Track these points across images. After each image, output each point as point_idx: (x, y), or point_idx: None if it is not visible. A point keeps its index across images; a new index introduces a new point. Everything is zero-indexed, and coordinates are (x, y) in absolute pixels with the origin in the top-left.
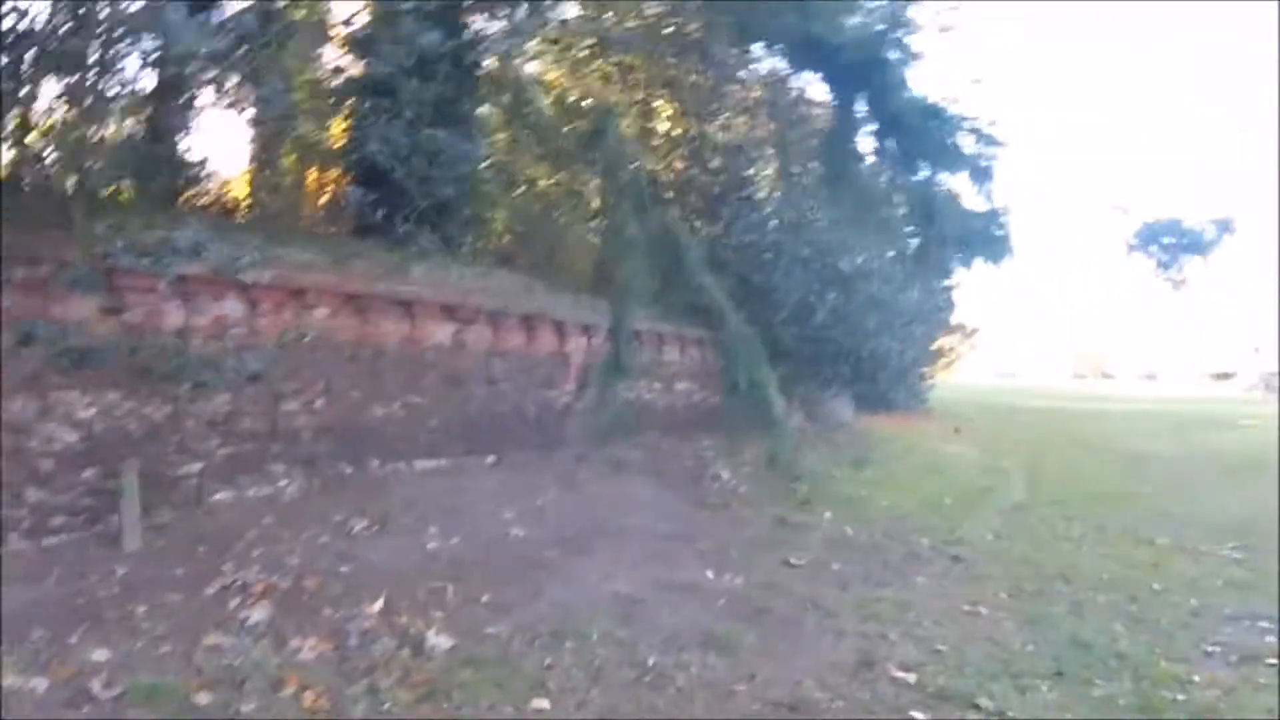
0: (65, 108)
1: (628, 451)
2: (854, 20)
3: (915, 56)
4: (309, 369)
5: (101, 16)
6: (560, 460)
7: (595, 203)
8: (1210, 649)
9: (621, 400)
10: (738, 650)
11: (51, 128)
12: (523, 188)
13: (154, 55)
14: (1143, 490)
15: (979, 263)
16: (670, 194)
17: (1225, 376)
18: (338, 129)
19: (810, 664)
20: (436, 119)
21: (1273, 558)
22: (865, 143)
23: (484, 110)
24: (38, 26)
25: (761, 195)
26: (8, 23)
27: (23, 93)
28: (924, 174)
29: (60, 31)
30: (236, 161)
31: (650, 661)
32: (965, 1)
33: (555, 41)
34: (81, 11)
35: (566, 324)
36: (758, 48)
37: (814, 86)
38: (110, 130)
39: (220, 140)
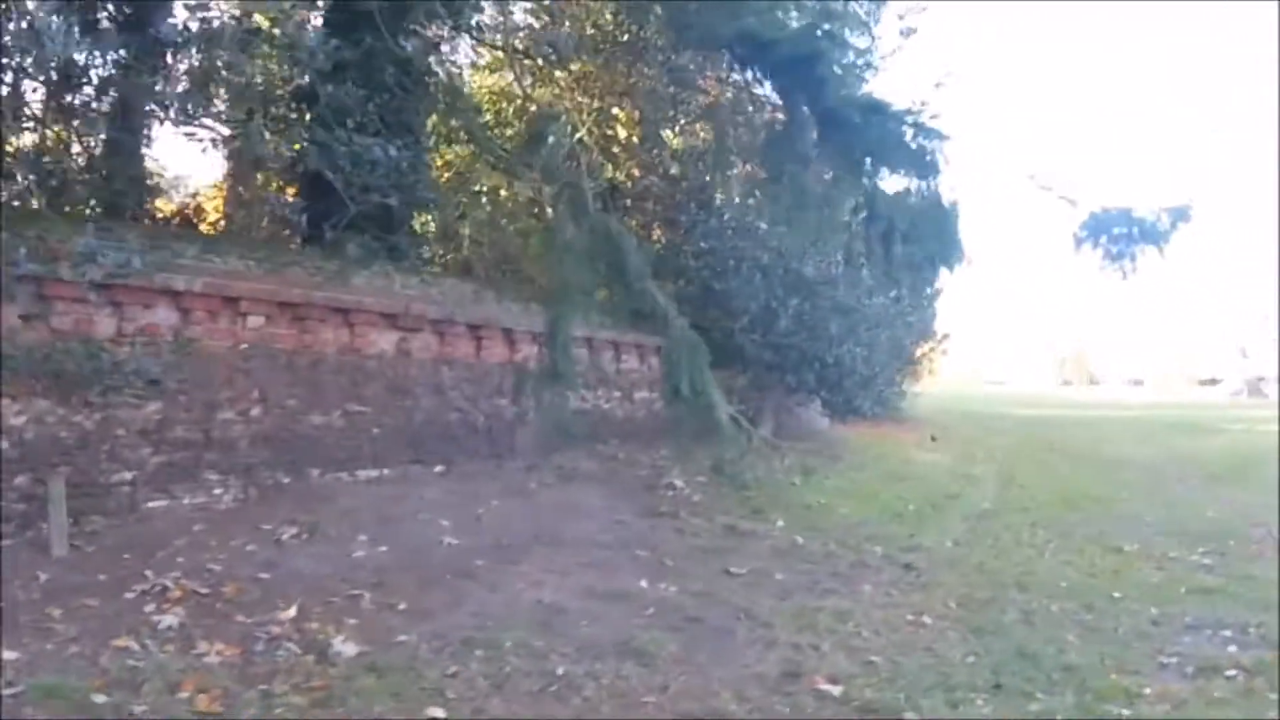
0: None
1: (582, 461)
2: (794, 17)
3: (862, 53)
4: (244, 377)
5: None
6: (511, 470)
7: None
8: (1166, 660)
9: (566, 408)
10: (656, 660)
11: None
12: (480, 197)
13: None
14: (1117, 496)
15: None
16: (629, 202)
17: (1212, 382)
18: (282, 139)
19: (731, 675)
20: (381, 128)
21: (1244, 563)
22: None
23: (439, 121)
24: None
25: (720, 201)
26: None
27: None
28: (868, 172)
29: None
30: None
31: (560, 671)
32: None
33: (517, 51)
34: None
35: (516, 332)
36: (713, 52)
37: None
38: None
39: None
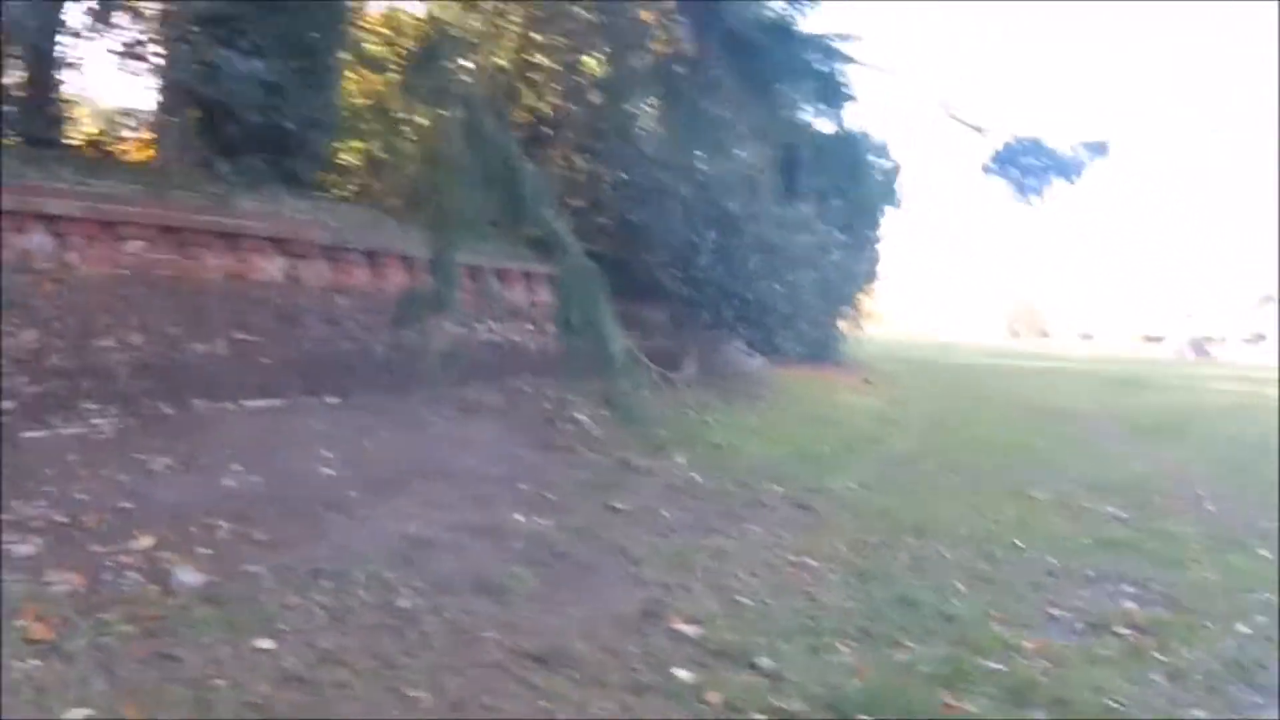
0: None
1: (488, 394)
2: None
3: None
4: (124, 304)
5: None
6: (411, 402)
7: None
8: (1057, 613)
9: (445, 338)
10: (510, 596)
11: None
12: (389, 123)
13: None
14: (1043, 446)
15: (849, 200)
16: (551, 131)
17: (1156, 339)
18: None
19: (586, 613)
20: (286, 53)
21: (1160, 519)
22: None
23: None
24: None
25: (643, 131)
26: None
27: None
28: (775, 100)
29: None
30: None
31: (405, 605)
32: None
33: None
34: None
35: (418, 261)
36: None
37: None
38: None
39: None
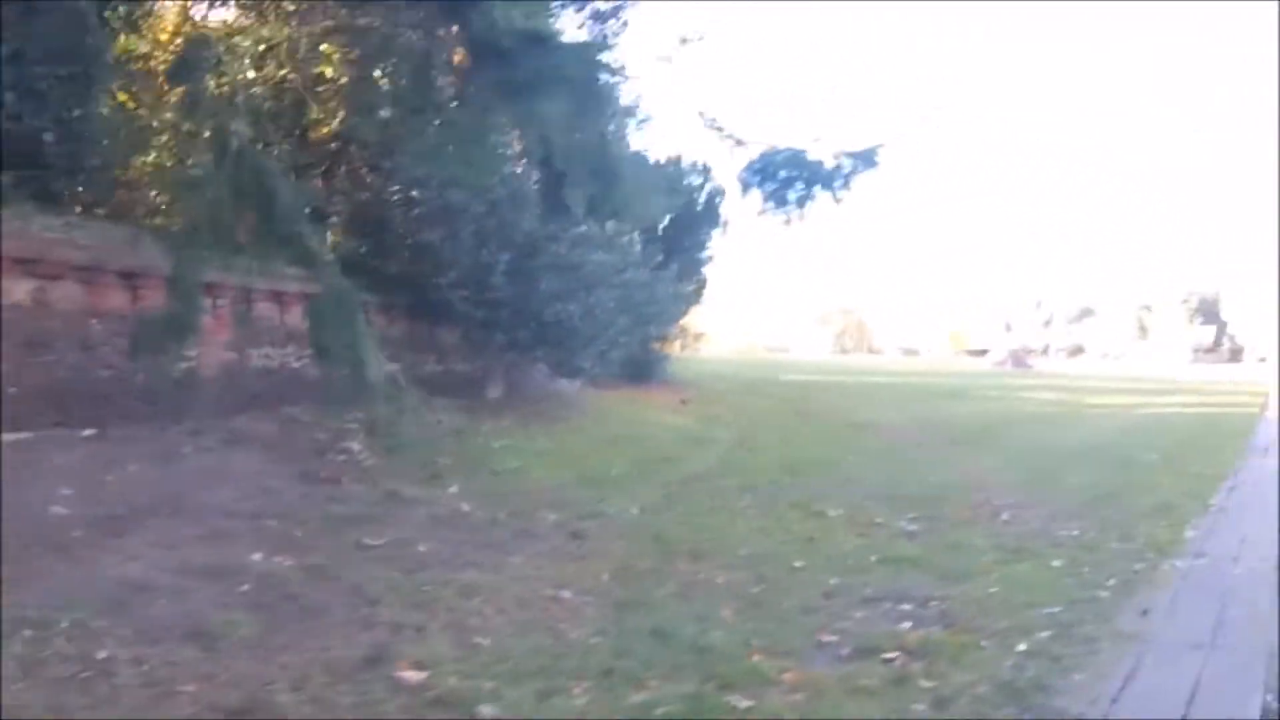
0: None
1: (260, 424)
2: None
3: None
4: None
5: None
6: (173, 434)
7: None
8: (827, 639)
9: (227, 365)
10: (222, 644)
11: None
12: (156, 136)
13: None
14: (846, 460)
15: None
16: (335, 146)
17: (980, 352)
18: None
19: (302, 661)
20: (43, 59)
21: (952, 530)
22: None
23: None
24: None
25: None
26: None
27: None
28: (531, 110)
29: None
30: None
31: (103, 655)
32: None
33: None
34: None
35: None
36: None
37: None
38: None
39: None
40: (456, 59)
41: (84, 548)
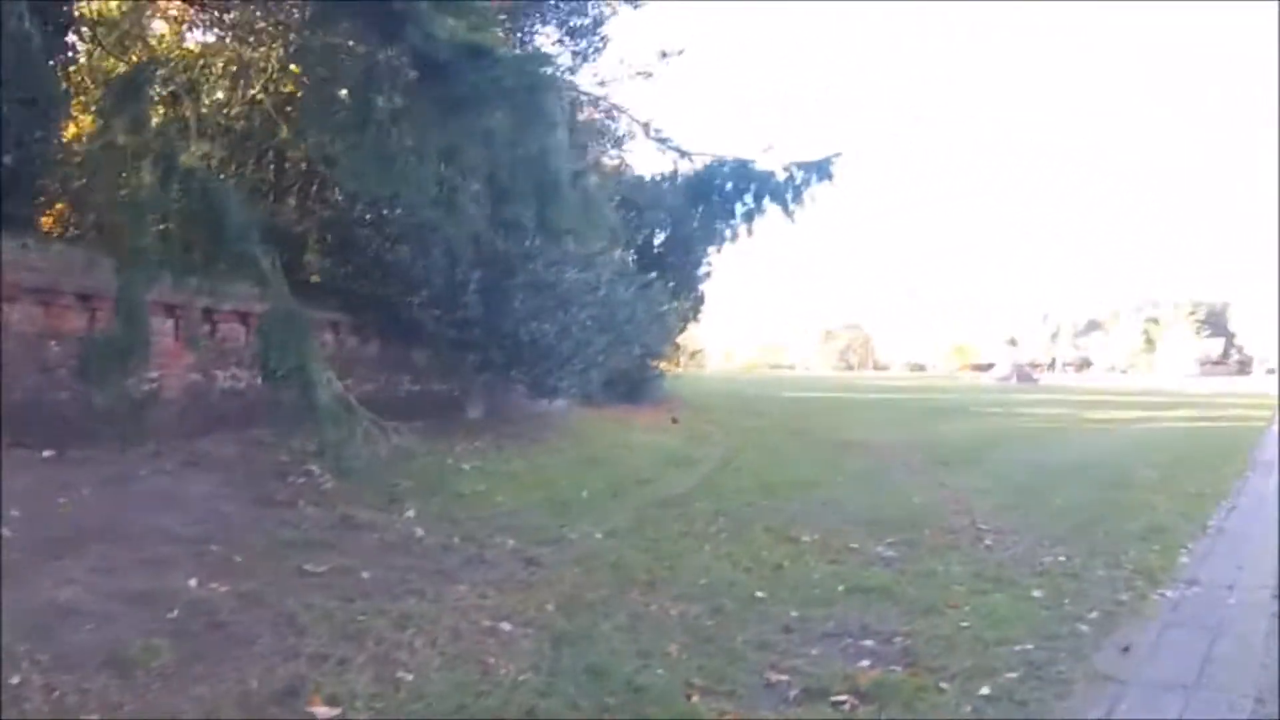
0: None
1: (222, 446)
2: None
3: None
4: None
5: None
6: (133, 456)
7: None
8: (776, 678)
9: (192, 387)
10: (137, 673)
11: None
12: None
13: None
14: (829, 481)
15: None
16: (304, 165)
17: (985, 368)
18: None
19: (213, 694)
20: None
21: (929, 557)
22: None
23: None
24: None
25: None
26: None
27: None
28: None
29: None
30: None
31: (14, 682)
32: None
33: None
34: None
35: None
36: None
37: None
38: None
39: None
40: (401, 74)
41: (21, 570)
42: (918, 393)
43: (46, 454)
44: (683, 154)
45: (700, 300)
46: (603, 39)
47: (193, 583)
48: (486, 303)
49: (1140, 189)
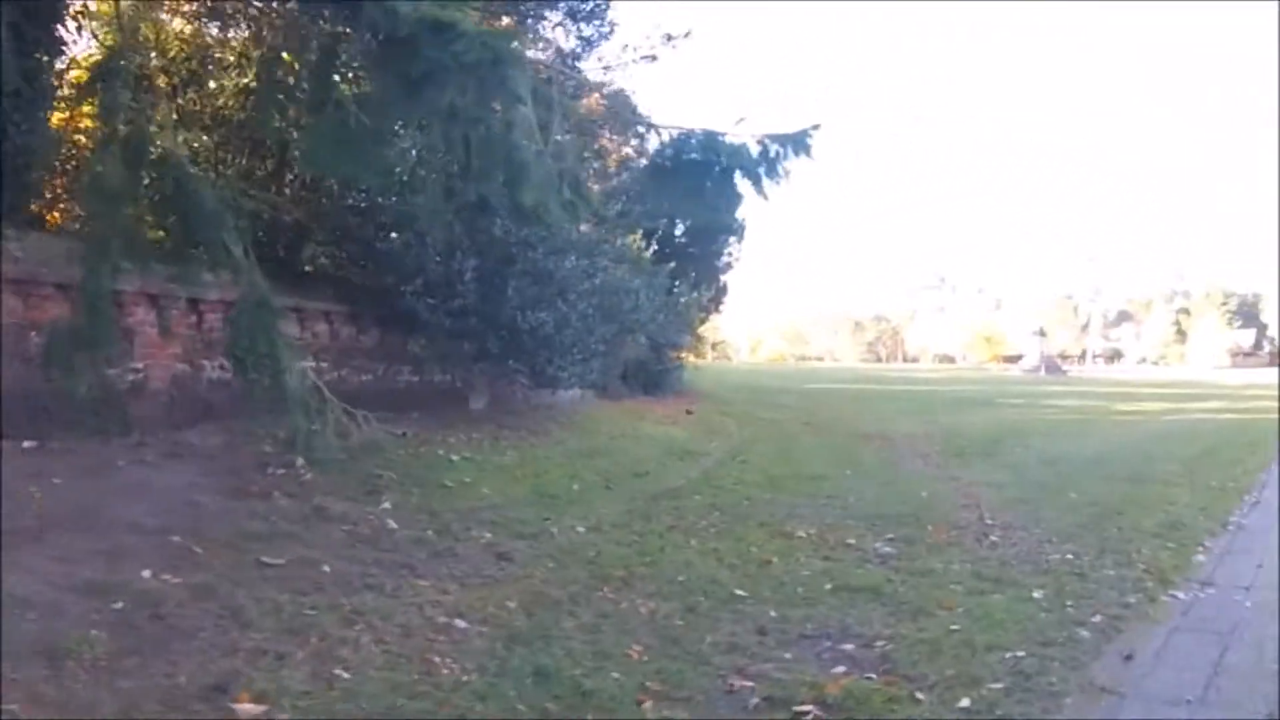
0: None
1: (208, 437)
2: None
3: None
4: None
5: None
6: (115, 447)
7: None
8: (740, 684)
9: (179, 378)
10: (68, 665)
11: None
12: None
13: None
14: (836, 475)
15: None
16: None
17: (1014, 359)
18: None
19: (141, 687)
20: None
21: (928, 554)
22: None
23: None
24: None
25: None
26: None
27: None
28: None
29: None
30: None
31: None
32: None
33: None
34: None
35: (126, 294)
36: None
37: None
38: None
39: None
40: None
41: None
42: (944, 384)
43: (27, 444)
44: (649, 127)
45: (723, 291)
46: (610, 25)
47: (146, 574)
48: (483, 291)
49: (1173, 179)
